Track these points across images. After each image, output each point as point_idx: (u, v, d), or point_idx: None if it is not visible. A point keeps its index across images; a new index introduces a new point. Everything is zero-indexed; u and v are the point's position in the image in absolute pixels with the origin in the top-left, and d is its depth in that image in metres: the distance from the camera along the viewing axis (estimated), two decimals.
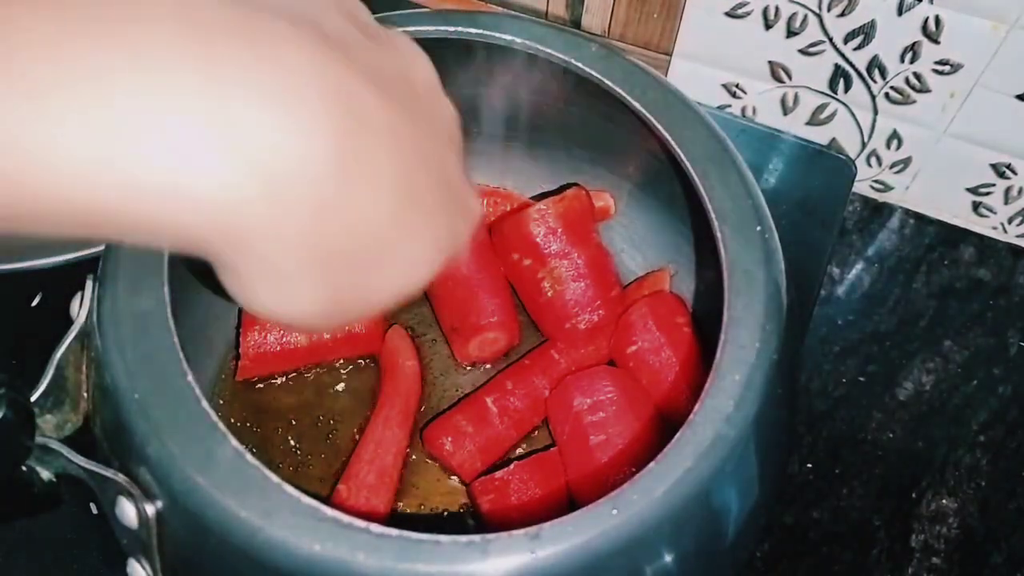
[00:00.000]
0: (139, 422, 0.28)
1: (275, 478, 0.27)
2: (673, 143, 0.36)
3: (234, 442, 0.27)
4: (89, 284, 0.31)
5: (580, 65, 0.37)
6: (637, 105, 0.37)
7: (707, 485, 0.29)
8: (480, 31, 0.38)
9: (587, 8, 0.55)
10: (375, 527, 0.26)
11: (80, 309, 0.32)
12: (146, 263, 0.30)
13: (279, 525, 0.26)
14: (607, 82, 0.37)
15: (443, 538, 0.26)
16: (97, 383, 0.31)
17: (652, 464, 0.28)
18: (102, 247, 0.46)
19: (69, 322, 0.49)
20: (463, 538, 0.26)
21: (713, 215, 0.35)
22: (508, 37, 0.38)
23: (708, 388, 0.31)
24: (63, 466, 0.30)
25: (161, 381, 0.28)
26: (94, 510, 0.44)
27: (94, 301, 0.31)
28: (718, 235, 0.34)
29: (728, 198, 0.35)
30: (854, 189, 0.55)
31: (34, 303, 0.51)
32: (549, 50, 0.38)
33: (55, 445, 0.30)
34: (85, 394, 0.32)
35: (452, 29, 0.38)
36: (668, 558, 0.30)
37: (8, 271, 0.47)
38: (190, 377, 0.28)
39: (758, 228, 0.35)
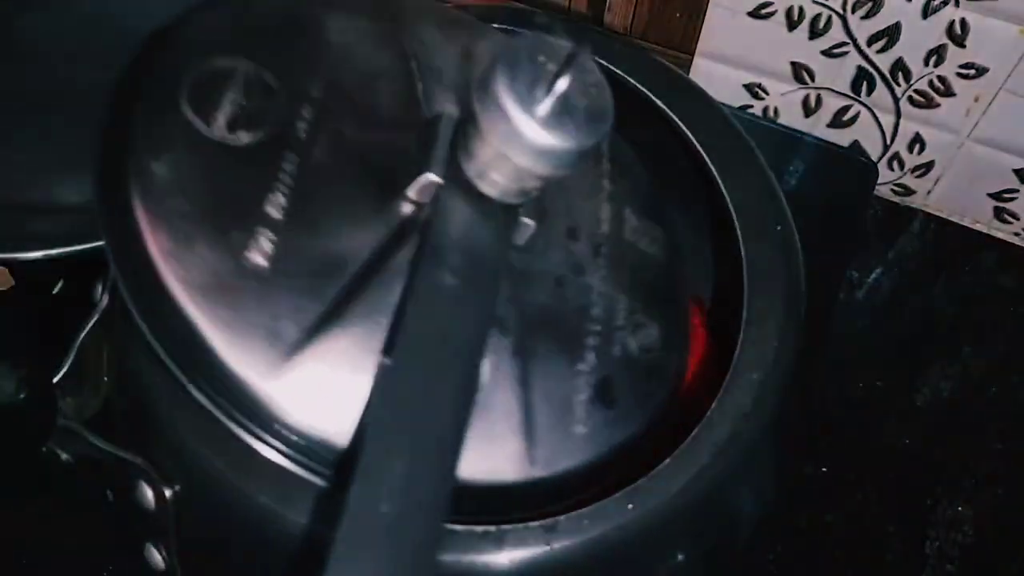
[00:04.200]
0: (159, 405, 0.28)
1: (292, 464, 0.27)
2: (695, 141, 0.36)
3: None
4: (112, 268, 0.31)
5: (602, 62, 0.37)
6: (659, 103, 0.37)
7: (723, 483, 0.29)
8: (501, 27, 0.38)
9: (609, 6, 0.55)
10: None
11: (103, 294, 0.32)
12: None
13: (296, 511, 0.26)
14: (630, 80, 0.37)
15: (458, 527, 0.26)
16: (118, 367, 0.31)
17: (668, 460, 0.28)
18: None
19: (90, 309, 0.50)
20: (479, 528, 0.26)
21: (734, 214, 0.35)
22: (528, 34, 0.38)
23: (726, 386, 0.31)
24: (83, 448, 0.30)
25: None
26: (110, 497, 0.45)
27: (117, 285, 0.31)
28: (738, 234, 0.34)
29: (749, 198, 0.35)
30: (875, 192, 0.55)
31: (55, 290, 0.51)
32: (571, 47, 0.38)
33: (75, 427, 0.30)
34: (106, 378, 0.33)
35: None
36: (682, 554, 0.30)
37: (30, 259, 0.48)
38: None
39: (778, 228, 0.35)
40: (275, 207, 0.26)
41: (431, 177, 0.27)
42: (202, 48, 0.28)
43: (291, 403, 0.25)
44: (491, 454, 0.27)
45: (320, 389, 0.26)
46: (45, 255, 0.47)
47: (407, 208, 0.28)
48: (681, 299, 0.35)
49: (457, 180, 0.27)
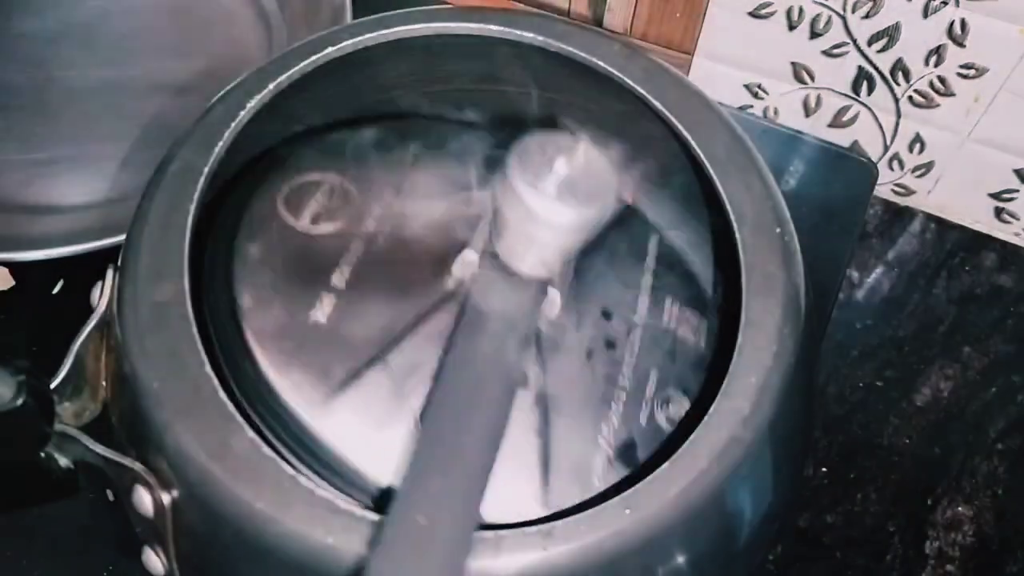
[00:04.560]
0: (157, 411, 0.28)
1: (290, 470, 0.27)
2: (693, 143, 0.36)
3: (250, 432, 0.27)
4: (110, 273, 0.31)
5: (600, 63, 0.37)
6: (657, 104, 0.37)
7: (722, 487, 0.29)
8: (500, 28, 0.38)
9: (609, 7, 0.55)
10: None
11: (100, 298, 0.32)
12: (167, 253, 0.31)
13: (293, 517, 0.26)
14: (628, 80, 0.37)
15: None
16: (116, 372, 0.31)
17: (666, 464, 0.28)
18: (122, 236, 0.47)
19: (89, 310, 0.50)
20: (475, 534, 0.26)
21: (732, 216, 0.35)
22: (528, 35, 0.38)
23: (724, 389, 0.31)
24: (81, 453, 0.31)
25: (179, 371, 0.28)
26: (111, 496, 0.45)
27: (114, 290, 0.31)
28: (737, 236, 0.34)
29: (748, 199, 0.35)
30: (875, 192, 0.55)
31: (55, 291, 0.51)
32: (569, 48, 0.38)
33: (74, 432, 0.30)
34: (104, 383, 0.33)
35: (474, 27, 0.38)
36: (681, 559, 0.30)
37: (30, 259, 0.48)
38: (208, 367, 0.28)
39: (778, 230, 0.35)
40: (339, 279, 0.34)
41: (469, 255, 0.33)
42: (301, 163, 0.37)
43: (330, 433, 0.31)
44: (505, 495, 0.30)
45: (357, 423, 0.31)
46: (45, 255, 0.48)
47: (450, 283, 0.34)
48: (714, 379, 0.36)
49: (492, 258, 0.33)
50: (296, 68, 0.35)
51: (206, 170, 0.32)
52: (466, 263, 0.34)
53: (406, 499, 0.26)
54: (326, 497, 0.27)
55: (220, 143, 0.33)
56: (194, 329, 0.29)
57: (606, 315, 0.35)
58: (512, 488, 0.30)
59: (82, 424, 0.32)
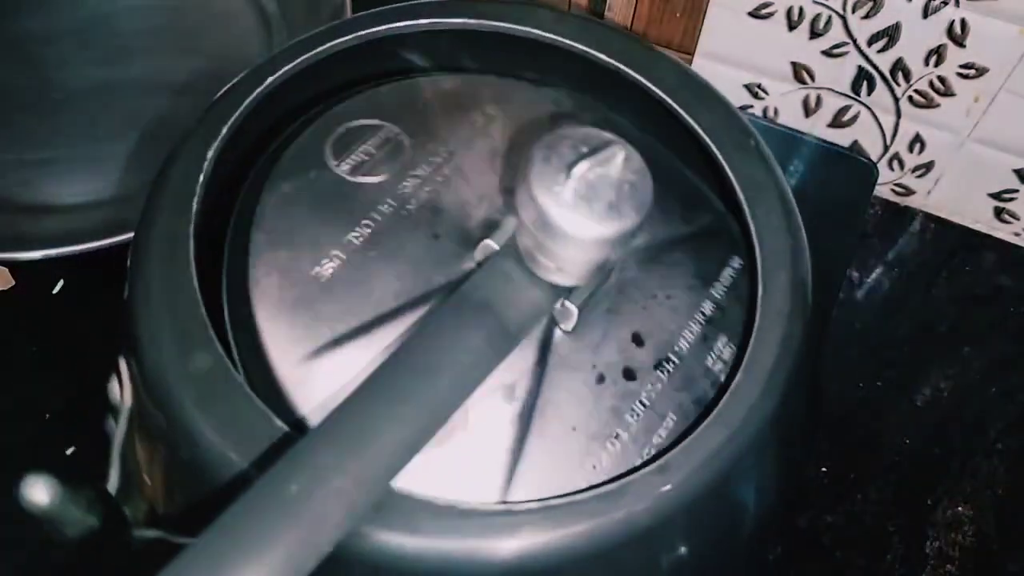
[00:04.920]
0: (212, 486, 0.26)
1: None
2: (702, 132, 0.35)
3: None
4: (123, 365, 0.30)
5: (602, 56, 0.37)
6: (668, 100, 0.37)
7: (724, 481, 0.29)
8: (502, 23, 0.37)
9: (610, 6, 0.55)
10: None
11: (122, 392, 0.30)
12: (185, 325, 0.29)
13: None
14: (631, 72, 0.37)
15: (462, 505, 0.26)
16: (164, 467, 0.30)
17: (667, 456, 0.28)
18: (123, 236, 0.46)
19: (90, 311, 0.50)
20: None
21: (747, 210, 0.34)
22: (528, 28, 0.37)
23: (735, 386, 0.31)
24: (168, 547, 0.29)
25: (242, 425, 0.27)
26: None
27: (137, 377, 0.30)
28: (752, 230, 0.33)
29: (757, 193, 0.35)
30: (875, 192, 0.55)
31: (55, 291, 0.51)
32: (570, 41, 0.37)
33: (153, 534, 0.30)
34: (146, 477, 0.31)
35: (473, 22, 0.37)
36: (683, 550, 0.29)
37: (30, 259, 0.48)
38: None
39: (786, 223, 0.35)
40: (357, 236, 0.32)
41: (490, 243, 0.31)
42: (364, 110, 0.35)
43: (302, 392, 0.29)
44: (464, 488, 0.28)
45: (330, 388, 0.29)
46: (45, 255, 0.48)
47: (468, 266, 0.31)
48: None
49: (512, 251, 0.30)
50: (302, 59, 0.35)
51: (203, 171, 0.32)
52: (485, 250, 0.31)
53: (287, 463, 0.24)
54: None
55: (217, 143, 0.32)
56: (246, 390, 0.27)
57: (637, 340, 0.32)
58: (468, 485, 0.28)
59: (142, 522, 0.31)
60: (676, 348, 0.32)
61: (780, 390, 0.30)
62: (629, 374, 0.31)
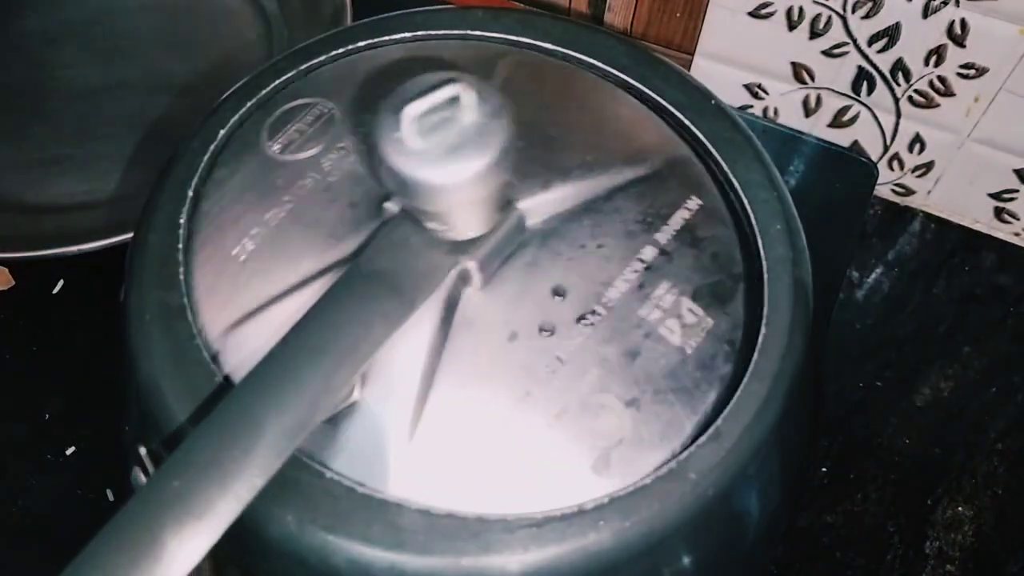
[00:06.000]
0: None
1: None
2: (702, 137, 0.36)
3: None
4: (143, 453, 0.29)
5: (604, 66, 0.37)
6: (665, 103, 0.37)
7: (728, 488, 0.29)
8: (504, 35, 0.37)
9: (610, 6, 0.55)
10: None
11: (136, 476, 0.29)
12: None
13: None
14: (632, 81, 0.37)
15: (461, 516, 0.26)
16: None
17: (672, 463, 0.28)
18: (123, 236, 0.46)
19: (90, 311, 0.50)
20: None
21: (750, 210, 0.34)
22: (530, 39, 0.37)
23: (743, 388, 0.30)
24: None
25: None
26: (111, 497, 0.45)
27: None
28: (756, 233, 0.33)
29: (756, 196, 0.35)
30: (875, 192, 0.55)
31: (55, 291, 0.51)
32: (572, 50, 0.37)
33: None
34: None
35: (474, 33, 0.37)
36: (687, 560, 0.29)
37: (30, 259, 0.48)
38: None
39: (782, 227, 0.35)
40: (275, 215, 0.32)
41: (389, 205, 0.30)
42: (299, 90, 0.35)
43: (229, 357, 0.29)
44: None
45: (253, 353, 0.28)
46: (45, 255, 0.48)
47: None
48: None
49: (409, 213, 0.29)
50: (303, 67, 0.35)
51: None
52: (387, 212, 0.30)
53: (174, 460, 0.24)
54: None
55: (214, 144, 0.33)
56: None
57: (559, 294, 0.30)
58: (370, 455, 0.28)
59: None
60: (604, 299, 0.30)
61: (782, 400, 0.30)
62: (546, 329, 0.29)
